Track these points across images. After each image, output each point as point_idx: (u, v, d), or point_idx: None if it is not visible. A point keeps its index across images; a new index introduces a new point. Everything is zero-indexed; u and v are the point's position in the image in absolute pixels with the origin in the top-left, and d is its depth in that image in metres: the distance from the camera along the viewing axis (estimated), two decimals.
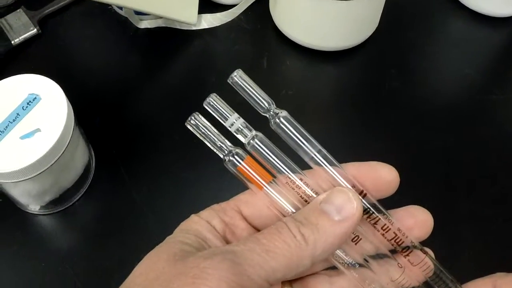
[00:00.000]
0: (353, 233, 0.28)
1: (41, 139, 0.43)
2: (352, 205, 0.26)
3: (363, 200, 0.28)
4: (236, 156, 0.27)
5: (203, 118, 0.27)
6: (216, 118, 0.27)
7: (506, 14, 0.63)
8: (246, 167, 0.27)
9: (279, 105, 0.27)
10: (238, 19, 0.63)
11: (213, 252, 0.24)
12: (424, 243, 0.29)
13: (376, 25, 0.60)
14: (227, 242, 0.28)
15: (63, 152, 0.44)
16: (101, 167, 0.52)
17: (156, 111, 0.57)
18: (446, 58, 0.62)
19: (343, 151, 0.53)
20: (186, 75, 0.60)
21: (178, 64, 0.60)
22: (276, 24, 0.61)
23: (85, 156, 0.50)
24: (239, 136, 0.27)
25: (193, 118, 0.27)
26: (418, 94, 0.58)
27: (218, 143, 0.27)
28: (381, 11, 0.59)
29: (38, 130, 0.44)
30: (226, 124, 0.27)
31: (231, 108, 0.27)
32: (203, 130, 0.27)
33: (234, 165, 0.27)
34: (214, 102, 0.27)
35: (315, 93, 0.58)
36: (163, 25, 0.62)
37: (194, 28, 0.62)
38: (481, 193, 0.52)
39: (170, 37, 0.62)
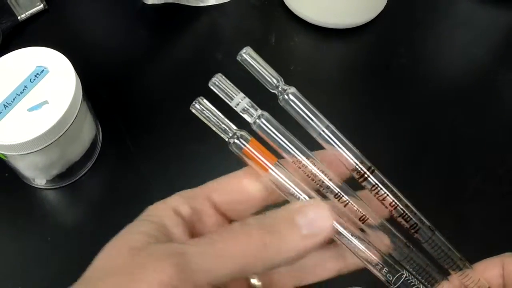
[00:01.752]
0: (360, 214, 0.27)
1: (49, 112, 0.43)
2: (325, 224, 0.25)
3: (371, 176, 0.27)
4: (241, 139, 0.27)
5: (207, 102, 0.27)
6: (221, 103, 0.27)
7: None
8: (250, 149, 0.27)
9: (288, 81, 0.27)
10: None
11: (164, 252, 0.23)
12: (432, 222, 0.29)
13: (385, 3, 0.60)
14: (194, 229, 0.27)
15: (70, 125, 0.44)
16: (108, 142, 0.52)
17: (162, 86, 0.57)
18: (454, 38, 0.61)
19: (351, 127, 0.53)
20: (193, 51, 0.59)
21: (185, 40, 0.60)
22: (284, 1, 0.61)
23: (92, 130, 0.50)
24: (245, 116, 0.27)
25: (197, 102, 0.27)
26: (426, 73, 0.58)
27: (223, 126, 0.27)
28: None
29: (45, 102, 0.44)
30: (232, 104, 0.27)
31: (236, 88, 0.27)
32: (207, 114, 0.27)
33: (239, 148, 0.27)
34: (219, 82, 0.27)
35: (323, 70, 0.58)
36: (170, 1, 0.61)
37: (201, 4, 0.61)
38: (488, 172, 0.51)
39: (177, 13, 0.61)
